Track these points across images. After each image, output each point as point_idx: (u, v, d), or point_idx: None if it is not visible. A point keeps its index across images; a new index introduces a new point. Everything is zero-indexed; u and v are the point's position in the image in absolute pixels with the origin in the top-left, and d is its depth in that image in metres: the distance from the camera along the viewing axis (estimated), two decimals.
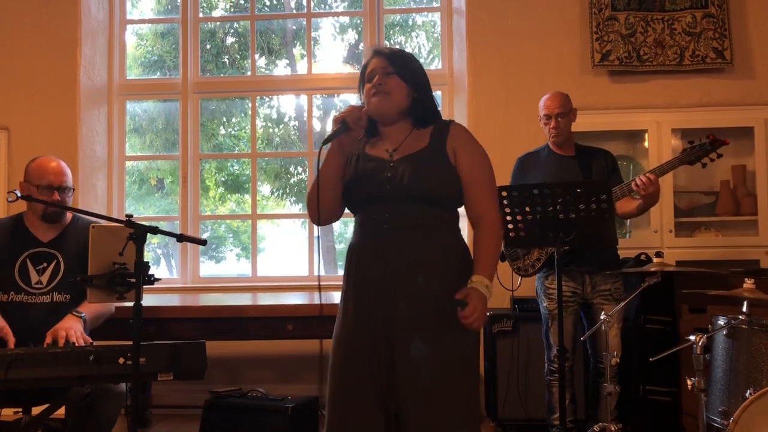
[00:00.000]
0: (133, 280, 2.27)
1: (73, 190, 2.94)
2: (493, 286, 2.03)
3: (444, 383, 2.00)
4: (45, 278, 2.83)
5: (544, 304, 3.33)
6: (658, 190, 3.16)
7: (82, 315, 2.74)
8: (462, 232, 2.19)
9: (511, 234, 2.87)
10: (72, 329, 2.63)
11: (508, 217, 2.83)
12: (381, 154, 2.15)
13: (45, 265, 2.84)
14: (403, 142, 2.14)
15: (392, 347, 2.03)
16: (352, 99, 5.60)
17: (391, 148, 2.14)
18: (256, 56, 5.30)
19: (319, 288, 2.15)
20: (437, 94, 4.91)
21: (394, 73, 2.13)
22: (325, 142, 2.04)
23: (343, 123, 2.05)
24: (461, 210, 2.17)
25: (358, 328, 2.07)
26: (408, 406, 2.01)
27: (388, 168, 2.10)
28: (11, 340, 2.61)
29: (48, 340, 2.61)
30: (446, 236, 2.10)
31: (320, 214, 2.10)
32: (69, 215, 2.96)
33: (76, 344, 2.57)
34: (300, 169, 5.99)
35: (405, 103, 2.14)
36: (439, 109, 2.28)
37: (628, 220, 3.98)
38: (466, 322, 1.95)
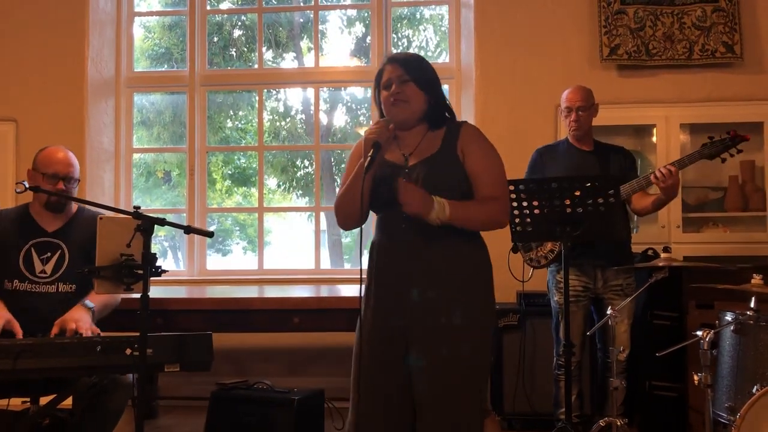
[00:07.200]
0: (140, 271, 2.28)
1: (79, 181, 2.95)
2: (446, 215, 2.06)
3: (450, 389, 2.08)
4: (49, 268, 2.84)
5: (555, 299, 3.33)
6: (677, 183, 3.15)
7: (92, 306, 2.75)
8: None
9: (518, 228, 2.86)
10: (81, 320, 2.64)
11: (516, 211, 2.82)
12: (397, 158, 2.21)
13: (49, 254, 2.85)
14: (417, 147, 2.21)
15: (407, 349, 2.12)
16: (360, 92, 5.60)
17: (407, 153, 2.21)
18: (264, 49, 5.29)
19: (360, 281, 2.17)
20: (444, 88, 4.87)
21: (410, 81, 2.19)
22: (367, 169, 2.06)
23: (377, 145, 2.09)
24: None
25: (376, 326, 2.17)
26: (420, 408, 2.11)
27: (403, 174, 2.16)
28: (19, 332, 2.62)
29: (55, 329, 2.62)
30: (458, 238, 2.14)
31: (353, 222, 2.20)
32: (74, 206, 2.97)
33: (84, 335, 2.58)
34: (306, 163, 5.99)
35: (422, 109, 2.21)
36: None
37: (636, 215, 3.96)
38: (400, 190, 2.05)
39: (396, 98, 2.18)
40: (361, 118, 5.69)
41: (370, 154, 2.07)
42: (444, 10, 5.07)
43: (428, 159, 2.17)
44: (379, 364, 2.15)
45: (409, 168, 2.18)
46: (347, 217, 2.21)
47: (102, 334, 2.67)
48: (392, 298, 2.15)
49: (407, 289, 2.12)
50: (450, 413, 2.08)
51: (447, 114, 2.28)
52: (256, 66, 5.25)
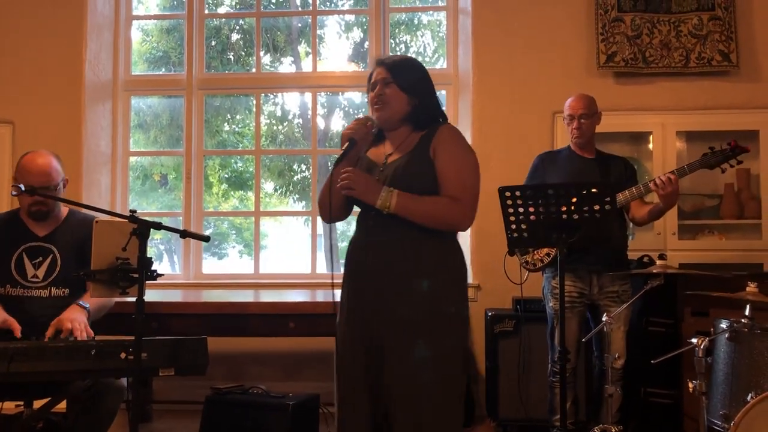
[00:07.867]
0: (135, 275, 2.28)
1: (67, 181, 2.93)
2: (392, 204, 2.10)
3: (420, 382, 2.09)
4: (41, 272, 2.84)
5: (551, 305, 3.33)
6: (677, 191, 3.16)
7: (87, 307, 2.74)
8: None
9: (514, 234, 2.86)
10: (76, 321, 2.63)
11: (512, 218, 2.83)
12: (378, 158, 2.29)
13: (41, 259, 2.85)
14: (398, 147, 2.26)
15: (377, 345, 2.14)
16: (357, 97, 5.61)
17: (388, 152, 2.28)
18: (261, 53, 5.29)
19: (332, 285, 2.22)
20: (441, 93, 4.89)
21: (393, 83, 2.24)
22: (338, 162, 2.17)
23: (351, 141, 2.17)
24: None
25: (349, 323, 2.23)
26: (392, 403, 2.13)
27: (377, 172, 2.24)
28: (17, 329, 2.61)
29: (51, 330, 2.61)
30: (429, 238, 2.17)
31: (332, 214, 2.27)
32: (65, 210, 2.96)
33: (79, 338, 2.58)
34: (303, 167, 5.98)
35: (404, 110, 2.26)
36: (443, 108, 2.38)
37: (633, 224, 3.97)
38: (343, 175, 2.11)
39: (377, 100, 2.24)
40: None
41: (343, 148, 2.15)
42: (442, 16, 5.08)
43: (400, 158, 2.23)
44: (353, 361, 2.18)
45: (384, 167, 2.23)
46: (325, 212, 2.29)
47: (97, 337, 2.67)
48: (363, 297, 2.18)
49: (379, 287, 2.15)
50: (425, 407, 2.08)
51: (441, 119, 2.30)
52: (253, 70, 5.25)
